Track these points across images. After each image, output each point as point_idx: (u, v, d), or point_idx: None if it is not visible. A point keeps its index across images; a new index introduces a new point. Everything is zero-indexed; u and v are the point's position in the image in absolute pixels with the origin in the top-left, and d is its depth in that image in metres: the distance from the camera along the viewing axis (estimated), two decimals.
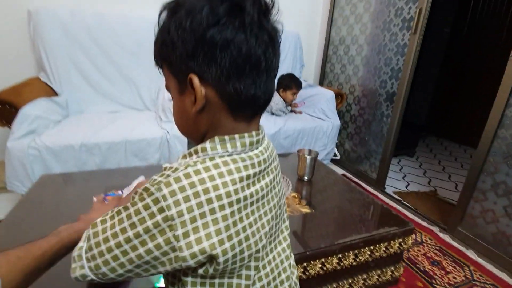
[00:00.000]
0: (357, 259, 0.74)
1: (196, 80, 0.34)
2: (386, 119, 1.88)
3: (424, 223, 1.59)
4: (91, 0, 1.83)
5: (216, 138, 0.36)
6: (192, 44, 0.33)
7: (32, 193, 0.87)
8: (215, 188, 0.32)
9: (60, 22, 1.67)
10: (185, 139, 1.57)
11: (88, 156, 1.37)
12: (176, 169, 0.33)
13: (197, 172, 0.32)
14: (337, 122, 2.05)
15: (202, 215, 0.32)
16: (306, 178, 1.06)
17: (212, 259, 0.33)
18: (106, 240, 0.34)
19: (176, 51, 0.34)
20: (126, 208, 0.34)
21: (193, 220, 0.31)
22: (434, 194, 1.95)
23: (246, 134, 0.37)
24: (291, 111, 2.16)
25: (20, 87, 1.48)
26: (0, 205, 1.46)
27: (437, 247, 1.40)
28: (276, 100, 2.03)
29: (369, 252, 0.75)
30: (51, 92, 1.67)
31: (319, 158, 2.04)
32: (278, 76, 2.07)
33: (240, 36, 0.33)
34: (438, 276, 1.21)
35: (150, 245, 0.32)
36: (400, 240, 0.79)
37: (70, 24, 1.69)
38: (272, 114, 2.06)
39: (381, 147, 1.93)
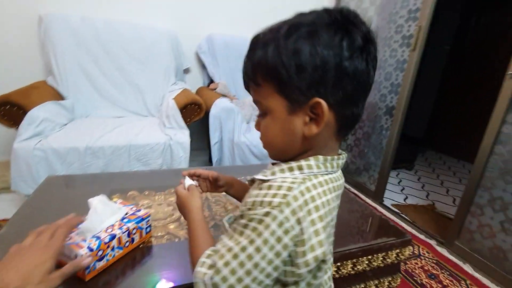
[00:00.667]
0: (355, 268, 0.76)
1: (325, 105, 0.36)
2: (385, 132, 1.91)
3: (422, 236, 1.61)
4: (101, 7, 1.90)
5: (321, 157, 0.39)
6: (325, 71, 0.35)
7: (39, 193, 0.89)
8: (323, 205, 0.38)
9: (70, 28, 1.73)
10: (188, 146, 1.59)
11: (93, 159, 1.40)
12: (290, 187, 0.36)
13: (308, 190, 0.37)
14: None
15: (317, 232, 0.36)
16: None
17: (317, 268, 0.39)
18: (239, 280, 0.35)
19: (301, 74, 0.35)
20: (251, 242, 0.34)
21: (311, 236, 0.36)
22: (432, 208, 1.97)
23: (340, 157, 0.42)
24: None
25: (29, 90, 1.51)
26: (3, 204, 1.48)
27: (434, 261, 1.41)
28: None
29: (366, 262, 0.77)
30: (58, 96, 1.71)
31: None
32: None
33: (364, 67, 0.37)
34: None
35: (279, 264, 0.36)
36: (398, 251, 0.80)
37: (80, 30, 1.75)
38: None
39: (380, 160, 1.95)
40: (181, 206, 0.54)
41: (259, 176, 0.40)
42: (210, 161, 1.91)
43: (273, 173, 0.39)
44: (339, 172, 0.44)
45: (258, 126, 0.43)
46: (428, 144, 3.32)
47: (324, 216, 0.37)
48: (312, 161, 0.39)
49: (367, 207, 1.01)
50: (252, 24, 2.35)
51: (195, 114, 1.74)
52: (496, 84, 1.32)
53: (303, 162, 0.39)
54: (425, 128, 2.65)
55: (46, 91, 1.63)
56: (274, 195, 0.35)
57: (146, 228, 0.69)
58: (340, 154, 0.42)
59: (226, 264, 0.35)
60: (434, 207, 1.98)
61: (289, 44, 0.35)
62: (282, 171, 0.39)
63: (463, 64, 3.04)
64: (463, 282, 1.29)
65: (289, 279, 0.37)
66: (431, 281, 1.26)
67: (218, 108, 1.80)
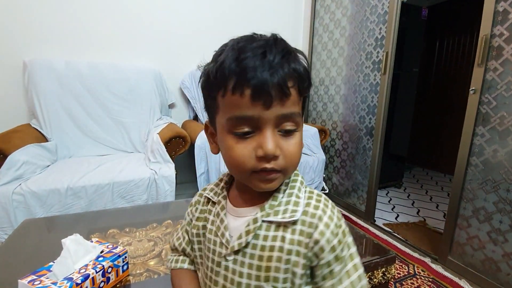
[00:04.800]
0: None
1: None
2: (368, 152, 1.96)
3: (416, 254, 1.58)
4: (86, 51, 1.97)
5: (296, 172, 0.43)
6: None
7: (14, 238, 0.86)
8: None
9: (55, 72, 1.78)
10: (173, 179, 1.58)
11: (74, 200, 1.37)
12: (326, 204, 0.41)
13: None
14: (322, 156, 2.11)
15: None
16: None
17: None
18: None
19: (308, 92, 0.39)
20: (349, 247, 0.39)
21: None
22: (423, 224, 1.96)
23: None
24: None
25: (10, 134, 1.51)
26: None
27: (430, 279, 1.38)
28: None
29: None
30: (41, 138, 1.71)
31: None
32: None
33: None
34: None
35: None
36: (383, 269, 0.79)
37: (64, 73, 1.80)
38: None
39: (367, 179, 1.98)
40: None
41: (284, 219, 0.37)
42: None
43: (294, 211, 0.37)
44: None
45: (278, 148, 0.34)
46: (414, 161, 3.39)
47: None
48: (298, 179, 0.42)
49: (351, 226, 1.01)
50: None
51: (180, 147, 1.75)
52: (463, 99, 1.40)
53: (296, 184, 0.41)
54: (407, 146, 2.72)
55: (28, 134, 1.63)
56: (331, 219, 0.38)
57: (123, 266, 0.67)
58: None
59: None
60: (426, 223, 1.97)
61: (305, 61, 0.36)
62: (296, 203, 0.38)
63: (433, 84, 3.25)
64: None
65: None
66: None
67: (202, 139, 1.82)
